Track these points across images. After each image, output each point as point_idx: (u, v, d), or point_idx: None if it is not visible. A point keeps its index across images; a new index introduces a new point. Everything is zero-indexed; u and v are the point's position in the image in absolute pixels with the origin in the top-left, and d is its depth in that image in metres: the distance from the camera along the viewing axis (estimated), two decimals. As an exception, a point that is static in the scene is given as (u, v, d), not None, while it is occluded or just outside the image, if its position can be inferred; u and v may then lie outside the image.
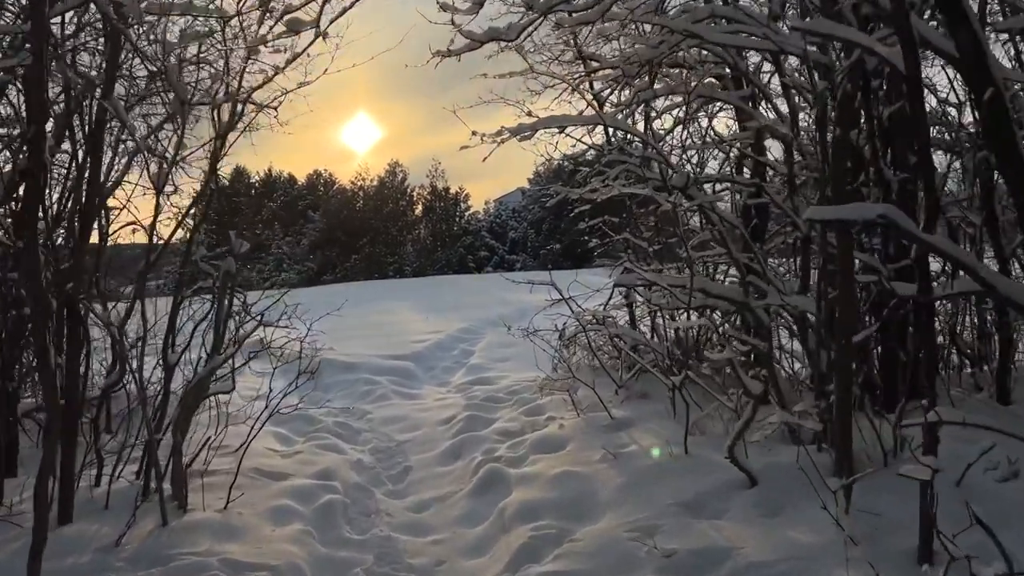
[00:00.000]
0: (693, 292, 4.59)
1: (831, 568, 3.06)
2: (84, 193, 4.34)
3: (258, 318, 5.32)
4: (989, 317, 5.70)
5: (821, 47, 4.29)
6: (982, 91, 3.25)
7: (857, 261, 4.63)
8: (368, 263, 49.53)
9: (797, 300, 4.60)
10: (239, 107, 4.87)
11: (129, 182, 6.59)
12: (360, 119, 73.29)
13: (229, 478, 4.68)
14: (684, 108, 5.16)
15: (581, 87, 6.67)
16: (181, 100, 3.96)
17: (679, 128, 6.15)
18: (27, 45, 3.56)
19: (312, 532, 4.22)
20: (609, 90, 7.13)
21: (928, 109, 6.21)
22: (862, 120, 5.12)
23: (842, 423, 4.17)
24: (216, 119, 4.82)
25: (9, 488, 4.42)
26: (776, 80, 7.29)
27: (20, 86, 4.65)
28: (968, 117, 5.89)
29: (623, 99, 5.74)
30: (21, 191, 4.25)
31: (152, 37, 4.16)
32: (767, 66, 6.75)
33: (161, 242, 4.72)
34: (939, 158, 6.36)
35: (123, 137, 5.98)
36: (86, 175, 4.42)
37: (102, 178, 5.40)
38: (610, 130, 7.11)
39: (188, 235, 4.72)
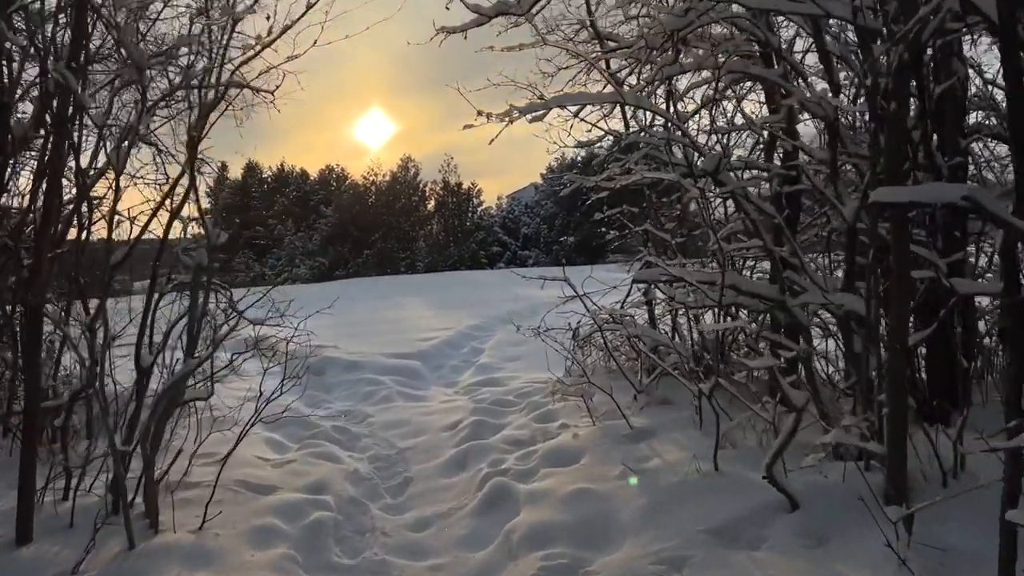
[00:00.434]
0: (721, 289, 4.09)
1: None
2: (45, 182, 3.90)
3: (244, 318, 4.90)
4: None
5: (877, 8, 3.76)
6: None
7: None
8: (380, 259, 49.27)
9: (843, 298, 4.08)
10: (223, 84, 4.41)
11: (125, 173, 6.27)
12: (374, 115, 73.12)
13: (210, 491, 4.25)
14: (713, 86, 4.64)
15: (597, 64, 6.16)
16: (138, 67, 3.50)
17: (703, 110, 5.62)
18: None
19: (296, 557, 3.77)
20: (627, 70, 6.63)
21: (973, 91, 5.68)
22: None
23: (895, 438, 3.66)
24: (200, 97, 4.37)
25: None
26: (810, 59, 6.75)
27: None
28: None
29: (643, 81, 5.21)
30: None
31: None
32: (799, 44, 6.25)
33: (136, 236, 4.26)
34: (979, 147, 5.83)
35: (109, 122, 5.59)
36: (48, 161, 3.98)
37: (84, 166, 5.06)
38: (628, 112, 6.61)
39: (165, 225, 4.26)
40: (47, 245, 3.82)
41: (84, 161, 5.40)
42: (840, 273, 5.86)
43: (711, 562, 3.21)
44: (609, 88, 4.74)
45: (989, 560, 2.63)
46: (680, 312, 6.45)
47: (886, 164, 3.76)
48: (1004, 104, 5.50)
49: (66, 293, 5.40)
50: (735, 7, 4.47)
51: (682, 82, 6.21)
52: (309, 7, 4.54)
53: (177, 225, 4.57)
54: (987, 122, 5.80)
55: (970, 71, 5.41)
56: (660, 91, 5.91)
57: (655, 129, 4.87)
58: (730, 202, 6.53)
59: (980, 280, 5.35)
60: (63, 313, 4.94)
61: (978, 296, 5.12)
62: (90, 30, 3.66)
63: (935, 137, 4.87)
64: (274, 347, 5.59)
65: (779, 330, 5.89)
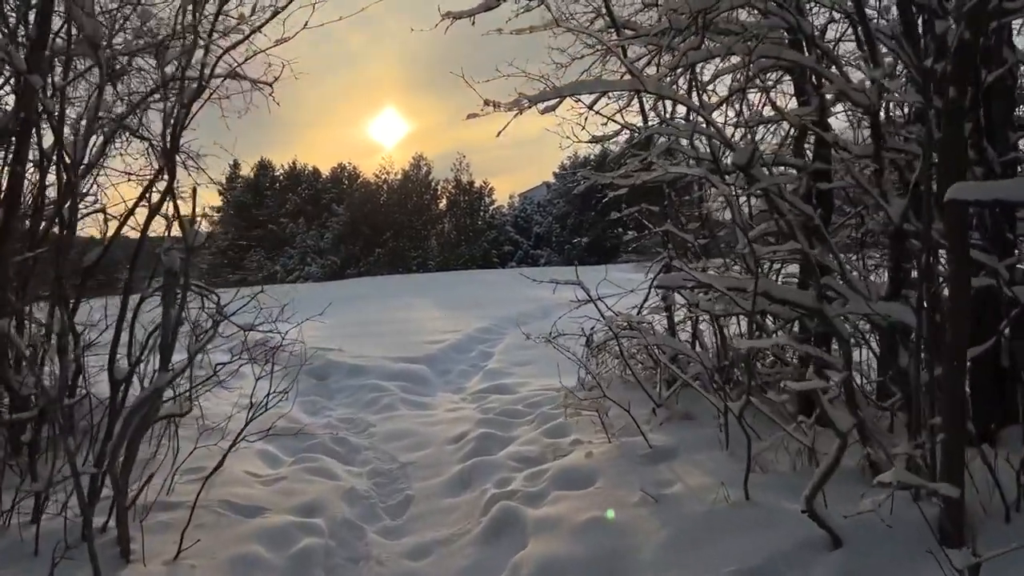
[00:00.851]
0: (753, 296, 3.67)
1: None
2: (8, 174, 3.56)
3: (232, 323, 4.55)
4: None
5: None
6: None
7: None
8: (392, 257, 49.07)
9: (889, 308, 3.66)
10: (207, 70, 4.05)
11: (113, 169, 5.93)
12: (388, 114, 73.07)
13: (194, 513, 3.90)
14: (744, 73, 4.22)
15: (615, 50, 5.75)
16: (91, 42, 3.13)
17: (729, 101, 5.19)
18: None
19: (279, 592, 3.40)
20: (646, 60, 6.22)
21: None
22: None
23: (953, 468, 3.25)
24: (181, 83, 4.02)
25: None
26: (844, 48, 6.30)
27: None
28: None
29: (665, 68, 4.80)
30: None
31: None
32: (832, 32, 5.82)
33: (109, 234, 3.90)
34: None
35: (101, 115, 5.25)
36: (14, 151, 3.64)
37: (65, 160, 4.72)
38: (647, 104, 6.20)
39: (143, 224, 3.90)
40: (7, 252, 3.47)
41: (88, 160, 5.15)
42: (875, 278, 5.44)
43: (745, 611, 2.80)
44: (628, 77, 4.34)
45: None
46: (701, 319, 6.03)
47: (942, 158, 3.34)
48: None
49: (49, 296, 5.10)
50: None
51: (706, 76, 5.81)
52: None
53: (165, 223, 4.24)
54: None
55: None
56: (681, 82, 5.50)
57: (677, 121, 4.44)
58: (753, 200, 6.14)
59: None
60: (51, 317, 4.62)
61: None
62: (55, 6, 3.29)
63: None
64: (267, 352, 5.21)
65: (808, 340, 5.48)
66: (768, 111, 5.84)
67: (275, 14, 4.33)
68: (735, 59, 5.47)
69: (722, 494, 3.68)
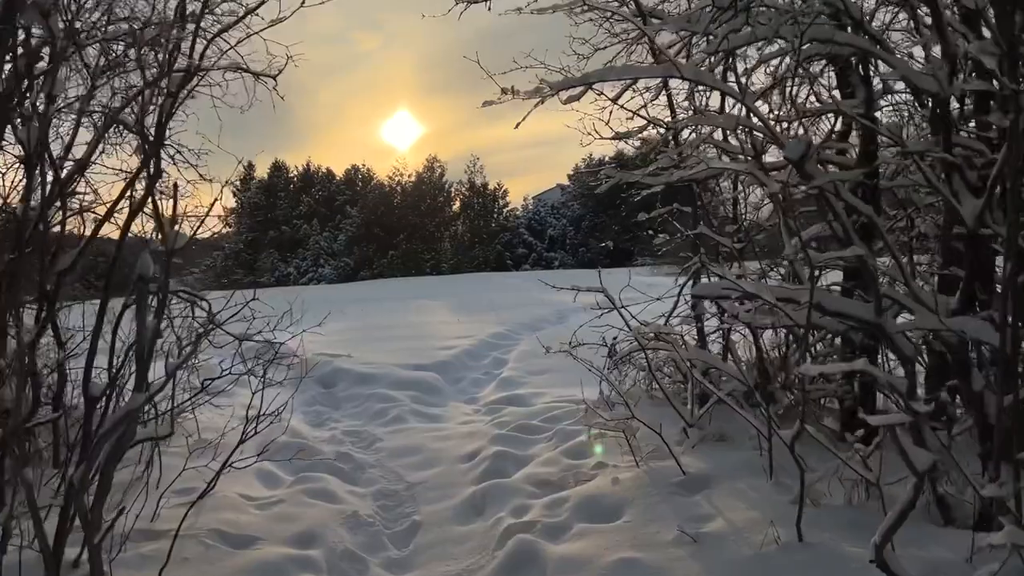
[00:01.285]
0: (806, 307, 3.22)
1: None
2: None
3: (226, 331, 4.16)
4: None
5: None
6: None
7: None
8: (405, 260, 48.82)
9: (966, 324, 3.20)
10: (195, 55, 3.67)
11: (102, 165, 5.57)
12: (401, 116, 73.05)
13: (179, 543, 3.51)
14: (794, 58, 3.75)
15: (648, 32, 5.32)
16: (41, 9, 2.72)
17: (765, 92, 4.73)
18: None
19: (267, 643, 2.99)
20: (676, 50, 5.77)
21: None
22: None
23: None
24: (165, 69, 3.63)
25: None
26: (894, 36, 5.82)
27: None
28: None
29: (703, 53, 4.36)
30: None
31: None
32: (882, 16, 5.35)
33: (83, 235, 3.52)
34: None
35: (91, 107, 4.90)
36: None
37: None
38: (676, 97, 5.76)
39: (122, 224, 3.52)
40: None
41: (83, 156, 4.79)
42: (925, 287, 4.96)
43: None
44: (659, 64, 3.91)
45: None
46: (735, 329, 5.57)
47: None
48: None
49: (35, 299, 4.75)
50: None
51: (734, 66, 5.35)
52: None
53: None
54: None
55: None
56: (716, 71, 5.05)
57: (711, 113, 4.00)
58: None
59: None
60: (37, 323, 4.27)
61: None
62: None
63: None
64: (266, 363, 4.81)
65: (852, 352, 5.01)
66: (800, 104, 5.41)
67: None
68: (773, 47, 5.05)
69: (771, 534, 3.23)
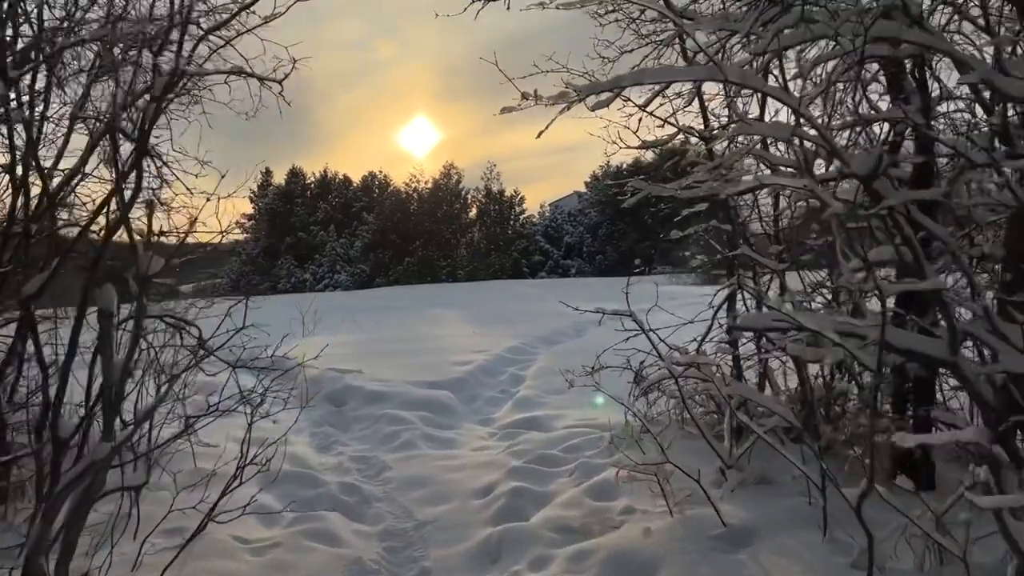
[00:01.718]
0: (880, 346, 2.77)
1: None
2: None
3: (219, 358, 3.79)
4: None
5: None
6: None
7: None
8: (421, 266, 48.63)
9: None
10: (182, 56, 3.30)
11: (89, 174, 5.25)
12: (419, 123, 73.22)
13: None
14: (854, 58, 3.30)
15: (673, 44, 4.93)
16: None
17: (816, 97, 4.28)
18: None
19: None
20: (712, 52, 5.34)
21: None
22: None
23: None
24: (151, 71, 3.27)
25: None
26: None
27: None
28: None
29: (750, 53, 3.94)
30: None
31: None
32: (937, 18, 4.89)
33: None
34: None
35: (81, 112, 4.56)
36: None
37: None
38: (712, 104, 5.33)
39: (102, 234, 3.15)
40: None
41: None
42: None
43: None
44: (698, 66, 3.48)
45: None
46: (773, 355, 5.11)
47: None
48: None
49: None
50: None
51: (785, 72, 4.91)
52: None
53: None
54: None
55: None
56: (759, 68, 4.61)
57: (758, 122, 3.56)
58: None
59: None
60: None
61: None
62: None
63: None
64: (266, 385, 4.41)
65: (904, 383, 4.54)
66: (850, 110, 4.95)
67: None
68: (813, 49, 4.61)
69: (834, 610, 2.78)
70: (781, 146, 4.92)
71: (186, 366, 3.19)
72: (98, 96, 4.63)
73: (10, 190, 4.41)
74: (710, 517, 3.83)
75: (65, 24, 3.64)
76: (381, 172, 56.39)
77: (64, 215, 4.62)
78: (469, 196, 53.77)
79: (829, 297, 5.16)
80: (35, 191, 4.22)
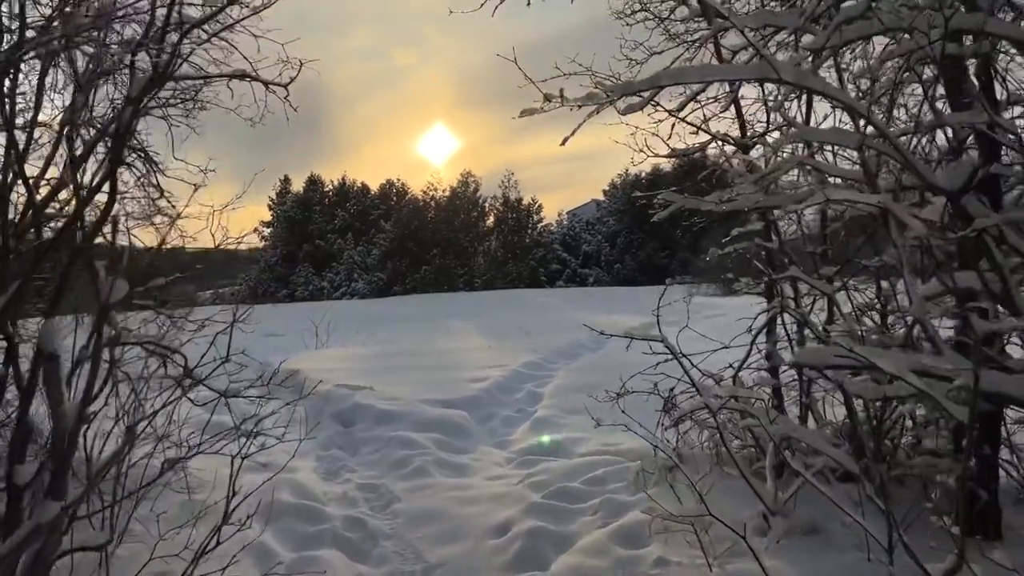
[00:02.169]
0: (974, 396, 2.31)
1: None
2: None
3: (208, 387, 3.42)
4: None
5: None
6: None
7: None
8: (438, 275, 48.42)
9: None
10: (164, 52, 2.94)
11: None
12: (437, 131, 73.32)
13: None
14: (930, 53, 2.87)
15: (707, 44, 4.51)
16: None
17: (878, 99, 3.84)
18: None
19: None
20: (748, 56, 4.92)
21: None
22: None
23: None
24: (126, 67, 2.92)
25: None
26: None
27: None
28: None
29: (803, 49, 3.51)
30: None
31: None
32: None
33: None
34: None
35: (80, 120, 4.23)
36: None
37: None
38: (751, 108, 4.89)
39: (73, 248, 2.78)
40: None
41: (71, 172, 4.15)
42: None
43: None
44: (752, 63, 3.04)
45: None
46: (817, 384, 4.65)
47: None
48: None
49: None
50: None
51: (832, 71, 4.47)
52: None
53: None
54: None
55: None
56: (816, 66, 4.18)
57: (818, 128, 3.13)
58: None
59: None
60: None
61: None
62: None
63: None
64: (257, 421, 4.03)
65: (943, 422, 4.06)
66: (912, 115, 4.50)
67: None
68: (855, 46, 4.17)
69: None
70: (829, 155, 4.50)
71: (164, 402, 2.81)
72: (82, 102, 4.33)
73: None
74: (754, 573, 3.38)
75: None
76: (399, 180, 56.45)
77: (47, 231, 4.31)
78: (487, 204, 53.58)
79: (878, 320, 4.71)
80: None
